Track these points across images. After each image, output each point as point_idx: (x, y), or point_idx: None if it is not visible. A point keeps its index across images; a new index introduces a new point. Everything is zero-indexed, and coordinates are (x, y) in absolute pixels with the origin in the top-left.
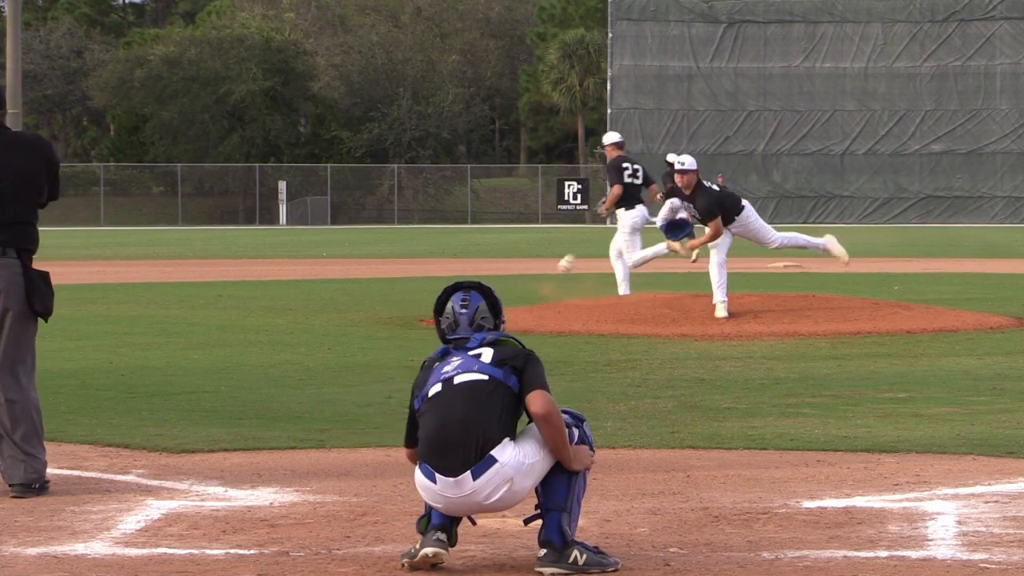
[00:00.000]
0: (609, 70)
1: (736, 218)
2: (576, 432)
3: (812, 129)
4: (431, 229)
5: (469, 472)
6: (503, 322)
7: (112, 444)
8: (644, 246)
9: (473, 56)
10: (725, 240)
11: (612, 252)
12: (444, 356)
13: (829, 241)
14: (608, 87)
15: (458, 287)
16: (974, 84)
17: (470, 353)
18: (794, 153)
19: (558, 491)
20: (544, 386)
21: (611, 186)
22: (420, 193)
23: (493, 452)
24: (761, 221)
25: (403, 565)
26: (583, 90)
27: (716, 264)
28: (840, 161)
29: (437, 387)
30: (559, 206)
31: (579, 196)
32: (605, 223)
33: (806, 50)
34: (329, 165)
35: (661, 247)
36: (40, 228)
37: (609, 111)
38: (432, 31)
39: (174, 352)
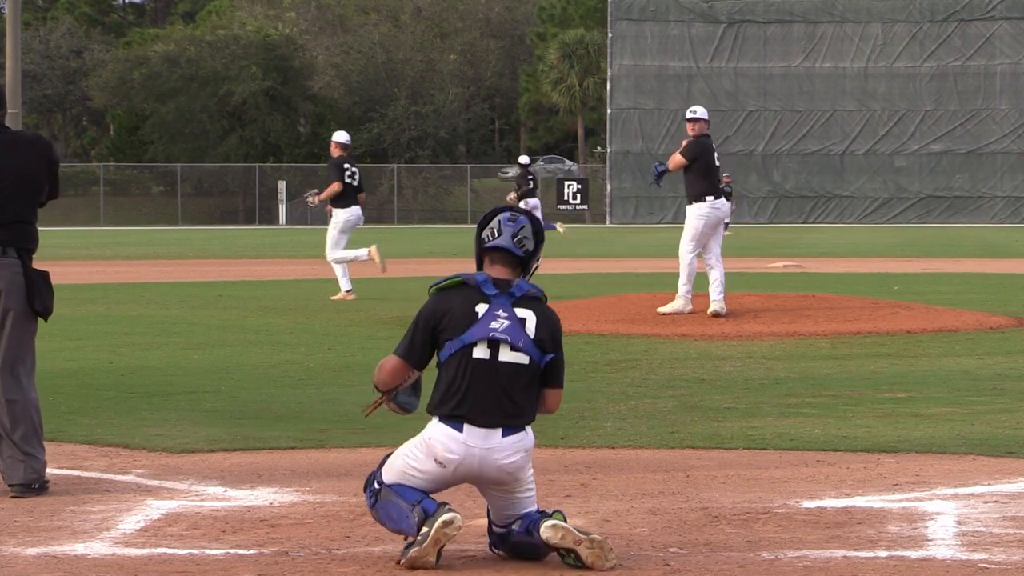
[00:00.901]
0: (609, 70)
1: (707, 199)
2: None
3: (812, 129)
4: (431, 229)
5: (500, 429)
6: (539, 258)
7: (112, 444)
8: (353, 247)
9: (473, 56)
10: (698, 231)
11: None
12: (486, 299)
13: None
14: (608, 87)
15: (510, 210)
16: (974, 84)
17: (516, 311)
18: (794, 153)
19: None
20: (562, 380)
21: (331, 182)
22: (420, 193)
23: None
24: (700, 229)
25: (399, 562)
26: (583, 90)
27: (684, 253)
28: (840, 161)
29: (483, 351)
30: (559, 206)
31: (579, 196)
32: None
33: (806, 50)
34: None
35: (363, 252)
36: (40, 228)
37: (609, 111)
38: (432, 31)
39: (174, 352)
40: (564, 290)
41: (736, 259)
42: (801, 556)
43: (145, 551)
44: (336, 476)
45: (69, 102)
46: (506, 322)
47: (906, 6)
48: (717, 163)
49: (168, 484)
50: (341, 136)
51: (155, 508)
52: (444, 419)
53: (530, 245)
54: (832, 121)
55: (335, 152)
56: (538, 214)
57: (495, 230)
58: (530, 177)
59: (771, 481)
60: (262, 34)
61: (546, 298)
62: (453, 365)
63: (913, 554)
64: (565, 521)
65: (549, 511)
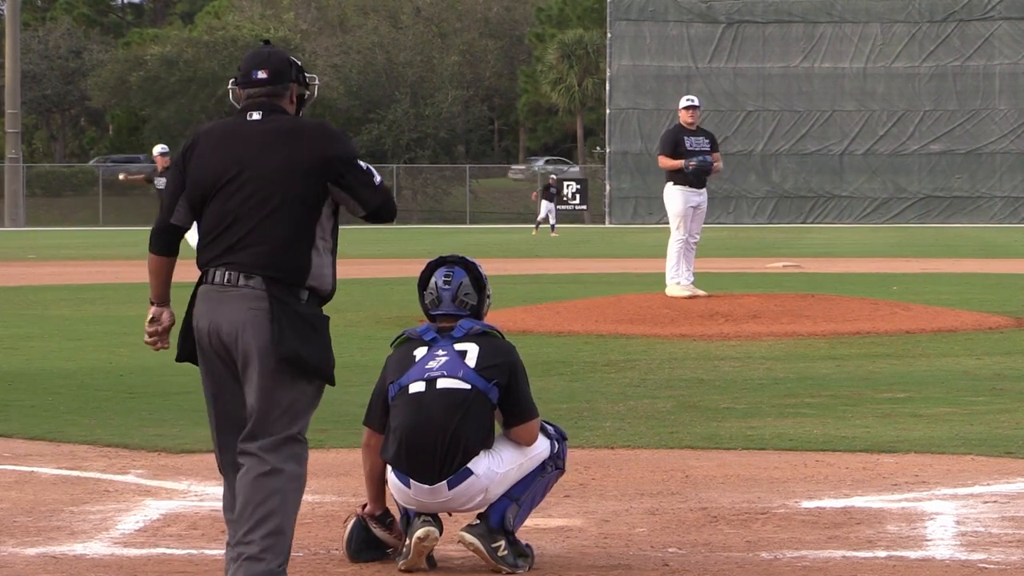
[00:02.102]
0: (608, 70)
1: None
2: (557, 446)
3: (811, 129)
4: (430, 229)
5: (445, 483)
6: (489, 296)
7: (111, 444)
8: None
9: (472, 56)
10: (683, 216)
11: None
12: (428, 343)
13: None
14: (607, 87)
15: (442, 262)
16: (973, 84)
17: (456, 348)
18: (793, 153)
19: (518, 484)
20: (530, 412)
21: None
22: (419, 193)
23: (469, 464)
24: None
25: (400, 567)
26: (582, 90)
27: (672, 241)
28: (839, 161)
29: (419, 386)
30: (558, 206)
31: (578, 196)
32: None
33: (805, 50)
34: None
35: None
36: (40, 228)
37: (608, 111)
38: (431, 31)
39: (174, 352)
40: (564, 290)
41: (735, 259)
42: (800, 556)
43: (144, 551)
44: (336, 476)
45: (68, 102)
46: (444, 359)
47: (905, 6)
48: None
49: (167, 484)
50: (161, 148)
51: (154, 508)
52: (392, 468)
53: (473, 299)
54: (831, 121)
55: (161, 163)
56: (552, 219)
57: (435, 296)
58: (552, 189)
59: (770, 481)
60: (257, 37)
61: (500, 334)
62: (394, 407)
63: (912, 554)
64: (507, 547)
65: (508, 526)
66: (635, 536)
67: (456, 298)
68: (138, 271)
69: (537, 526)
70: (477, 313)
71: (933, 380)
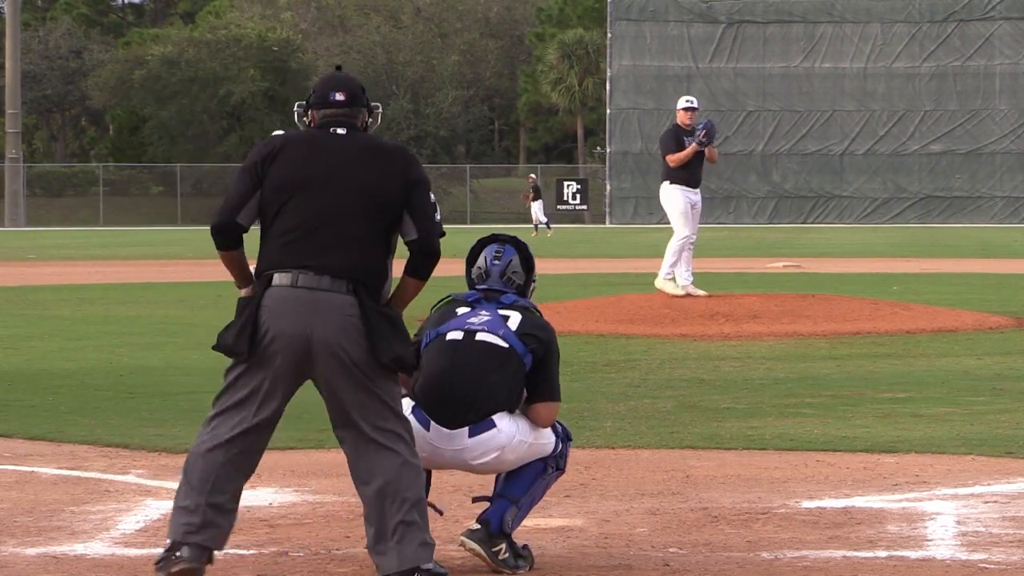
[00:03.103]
0: (608, 70)
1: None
2: (561, 446)
3: (811, 129)
4: None
5: (467, 429)
6: (535, 280)
7: (111, 444)
8: None
9: (472, 56)
10: (685, 214)
11: None
12: (473, 304)
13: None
14: (607, 87)
15: (494, 239)
16: (973, 84)
17: (500, 312)
18: (793, 153)
19: (519, 484)
20: (555, 393)
21: None
22: None
23: (494, 417)
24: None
25: None
26: (582, 90)
27: (676, 240)
28: (839, 161)
29: (457, 334)
30: (558, 206)
31: (578, 196)
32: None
33: (805, 50)
34: None
35: None
36: (40, 228)
37: (608, 111)
38: (432, 31)
39: (173, 352)
40: (564, 290)
41: (736, 259)
42: (801, 556)
43: (144, 551)
44: (336, 476)
45: (68, 102)
46: (486, 317)
47: (905, 6)
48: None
49: (168, 484)
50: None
51: (154, 508)
52: (414, 409)
53: (520, 279)
54: (831, 121)
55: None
56: (542, 216)
57: (483, 271)
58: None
59: (771, 481)
60: (260, 37)
61: (538, 312)
62: (427, 352)
63: (913, 554)
64: (507, 549)
65: (506, 528)
66: (636, 536)
67: (504, 274)
68: (139, 271)
69: (537, 526)
70: (522, 293)
71: (933, 380)
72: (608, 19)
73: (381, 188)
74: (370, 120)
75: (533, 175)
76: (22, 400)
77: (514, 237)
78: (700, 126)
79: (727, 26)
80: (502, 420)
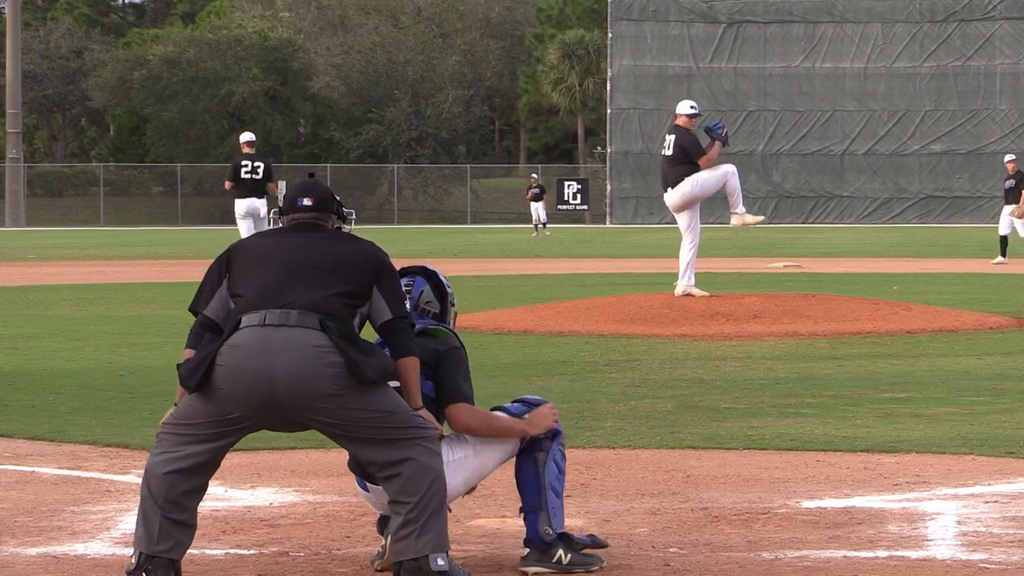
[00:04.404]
0: (609, 70)
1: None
2: (514, 407)
3: (812, 129)
4: (431, 229)
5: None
6: (454, 305)
7: (112, 444)
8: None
9: (473, 56)
10: (695, 222)
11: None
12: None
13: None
14: (608, 87)
15: (403, 272)
16: (974, 84)
17: None
18: (794, 153)
19: (529, 490)
20: (460, 395)
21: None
22: (420, 193)
23: None
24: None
25: (375, 567)
26: (583, 90)
27: (691, 245)
28: (840, 161)
29: None
30: (559, 206)
31: (579, 196)
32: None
33: (806, 50)
34: (328, 165)
35: None
36: (40, 228)
37: (609, 111)
38: (432, 31)
39: (174, 352)
40: (564, 290)
41: (736, 259)
42: (801, 556)
43: None
44: (336, 476)
45: (69, 102)
46: None
47: (906, 6)
48: (663, 153)
49: None
50: (244, 136)
51: None
52: (356, 478)
53: (435, 307)
54: (832, 121)
55: (243, 151)
56: (543, 215)
57: None
58: (535, 189)
59: (771, 481)
60: (261, 37)
61: (446, 330)
62: None
63: (913, 554)
64: (565, 551)
65: (550, 536)
66: (636, 536)
67: (418, 306)
68: (139, 271)
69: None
70: (442, 319)
71: (934, 380)
72: (608, 19)
73: (348, 256)
74: (343, 225)
75: (535, 175)
76: (22, 400)
77: (423, 267)
78: (719, 125)
79: (727, 26)
80: None
